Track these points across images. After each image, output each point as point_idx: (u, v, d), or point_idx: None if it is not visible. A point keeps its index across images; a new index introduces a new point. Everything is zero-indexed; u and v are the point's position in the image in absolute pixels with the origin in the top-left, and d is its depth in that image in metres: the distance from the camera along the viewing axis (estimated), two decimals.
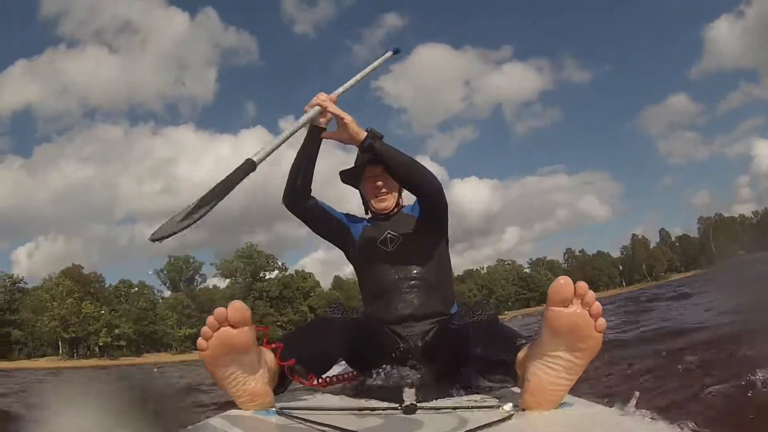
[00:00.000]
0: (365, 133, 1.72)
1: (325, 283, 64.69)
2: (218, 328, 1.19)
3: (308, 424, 1.11)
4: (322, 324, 1.63)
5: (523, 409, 1.20)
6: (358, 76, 1.95)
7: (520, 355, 1.30)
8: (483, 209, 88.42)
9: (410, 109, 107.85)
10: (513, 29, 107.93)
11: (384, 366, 1.76)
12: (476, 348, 1.49)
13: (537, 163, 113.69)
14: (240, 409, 1.29)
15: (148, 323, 56.19)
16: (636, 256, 70.57)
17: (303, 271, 62.36)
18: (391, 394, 1.45)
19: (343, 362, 1.93)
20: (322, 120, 1.77)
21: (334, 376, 1.69)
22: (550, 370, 1.17)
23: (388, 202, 1.96)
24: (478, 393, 1.52)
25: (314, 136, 1.81)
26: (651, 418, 1.09)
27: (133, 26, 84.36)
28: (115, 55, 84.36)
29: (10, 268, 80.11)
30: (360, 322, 1.69)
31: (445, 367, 1.72)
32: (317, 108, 1.72)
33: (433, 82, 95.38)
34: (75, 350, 54.64)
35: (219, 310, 1.19)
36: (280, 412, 1.23)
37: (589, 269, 64.41)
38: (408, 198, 2.06)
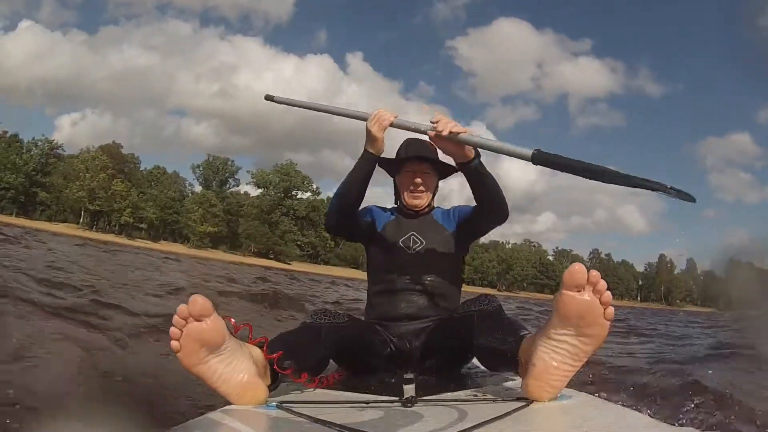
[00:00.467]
0: (474, 153, 1.64)
1: None
2: (185, 325, 1.18)
3: (309, 417, 1.11)
4: (310, 329, 1.60)
5: (525, 398, 1.22)
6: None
7: (526, 342, 1.32)
8: (525, 188, 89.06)
9: (478, 75, 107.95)
10: (598, 24, 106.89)
11: (380, 364, 1.76)
12: (479, 337, 1.48)
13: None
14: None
15: (173, 213, 57.00)
16: (658, 276, 70.11)
17: None
18: (391, 389, 1.45)
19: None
20: (377, 146, 1.72)
21: (327, 376, 1.64)
22: (555, 354, 1.19)
23: (422, 200, 1.92)
24: (477, 387, 1.51)
25: (370, 163, 1.75)
26: (650, 415, 1.22)
27: None
28: None
29: (52, 132, 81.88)
30: (349, 325, 1.69)
31: (444, 362, 1.74)
32: (384, 117, 1.69)
33: (507, 56, 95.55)
34: (95, 223, 55.44)
35: (181, 308, 1.18)
36: (281, 406, 1.22)
37: (611, 274, 64.01)
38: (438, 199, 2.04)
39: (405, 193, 1.93)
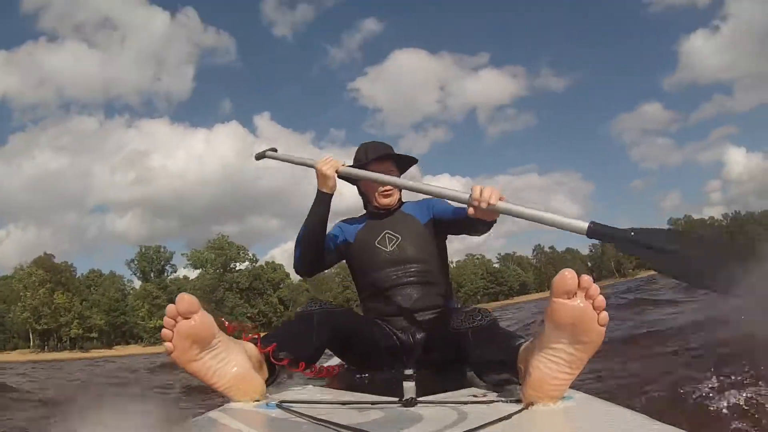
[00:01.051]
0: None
1: (296, 275, 64.69)
2: (174, 325, 1.19)
3: (308, 417, 1.10)
4: (302, 318, 1.61)
5: (526, 404, 1.19)
6: (378, 177, 1.78)
7: (522, 350, 1.31)
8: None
9: (384, 110, 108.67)
10: (490, 36, 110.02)
11: (381, 357, 1.76)
12: (475, 352, 1.48)
13: (509, 163, 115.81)
14: (235, 401, 1.27)
15: (119, 314, 56.10)
16: (605, 253, 71.44)
17: (273, 262, 62.49)
18: (391, 387, 1.44)
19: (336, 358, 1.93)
20: (330, 184, 1.80)
21: (326, 366, 1.66)
22: (552, 363, 1.16)
23: (393, 197, 1.96)
24: (478, 388, 1.49)
25: (326, 202, 1.83)
26: (649, 417, 1.11)
27: (113, 23, 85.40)
28: (93, 50, 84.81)
29: None
30: (344, 312, 1.71)
31: (444, 362, 1.72)
32: (334, 161, 1.81)
33: (409, 85, 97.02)
34: (46, 342, 54.52)
35: (169, 308, 1.19)
36: (280, 405, 1.21)
37: (559, 264, 65.02)
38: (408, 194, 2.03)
39: (375, 195, 1.96)
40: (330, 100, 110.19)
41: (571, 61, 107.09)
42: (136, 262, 61.18)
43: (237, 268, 60.36)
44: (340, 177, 1.84)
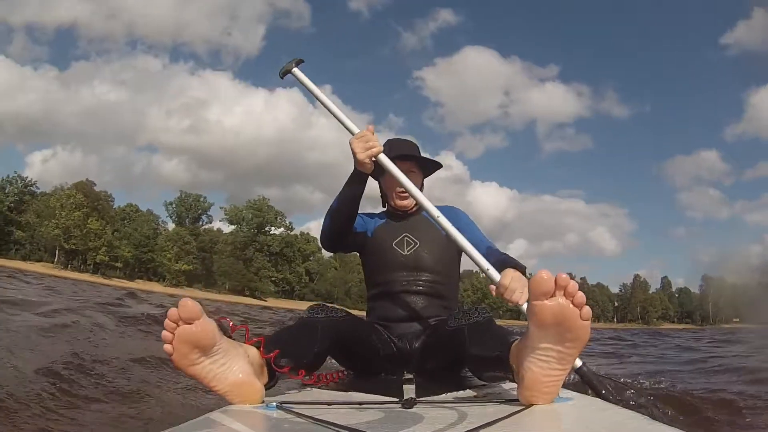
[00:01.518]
0: None
1: (326, 251, 64.92)
2: (176, 329, 1.19)
3: (308, 418, 1.10)
4: (306, 324, 1.60)
5: (526, 405, 1.21)
6: (406, 182, 1.73)
7: (513, 347, 1.32)
8: (496, 215, 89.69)
9: (446, 105, 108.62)
10: (563, 50, 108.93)
11: (381, 364, 1.77)
12: (471, 348, 1.49)
13: (558, 184, 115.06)
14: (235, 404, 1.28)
15: (148, 251, 56.80)
16: (634, 296, 70.61)
17: (308, 234, 62.86)
18: (391, 390, 1.45)
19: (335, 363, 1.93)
20: (367, 167, 1.68)
21: (325, 373, 1.66)
22: (542, 363, 1.17)
23: (410, 200, 1.92)
24: (477, 388, 1.53)
25: (362, 181, 1.74)
26: (647, 415, 1.15)
27: None
28: None
29: (23, 169, 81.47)
30: (347, 320, 1.68)
31: (442, 366, 1.74)
32: (372, 145, 1.65)
33: (474, 85, 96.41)
34: (70, 262, 55.32)
35: (171, 312, 1.19)
36: (281, 406, 1.22)
37: (587, 296, 63.85)
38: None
39: (392, 195, 1.95)
40: (394, 85, 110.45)
41: (638, 90, 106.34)
42: (174, 206, 61.93)
43: (271, 232, 60.79)
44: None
